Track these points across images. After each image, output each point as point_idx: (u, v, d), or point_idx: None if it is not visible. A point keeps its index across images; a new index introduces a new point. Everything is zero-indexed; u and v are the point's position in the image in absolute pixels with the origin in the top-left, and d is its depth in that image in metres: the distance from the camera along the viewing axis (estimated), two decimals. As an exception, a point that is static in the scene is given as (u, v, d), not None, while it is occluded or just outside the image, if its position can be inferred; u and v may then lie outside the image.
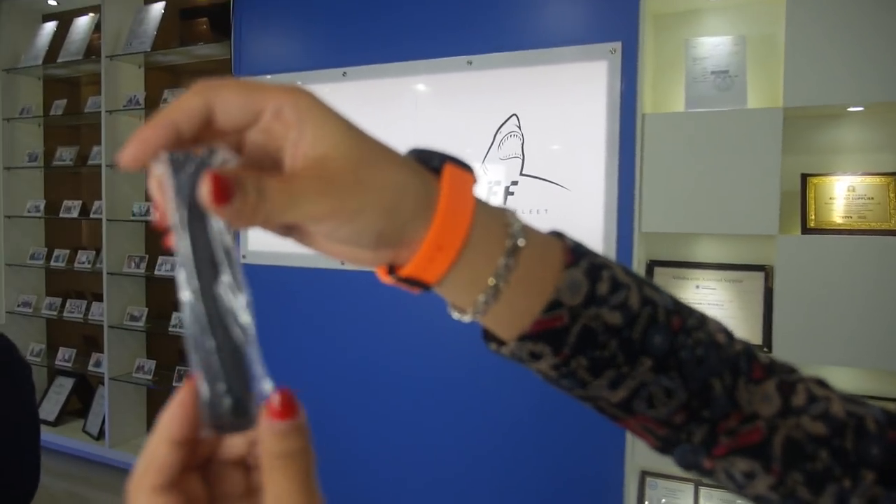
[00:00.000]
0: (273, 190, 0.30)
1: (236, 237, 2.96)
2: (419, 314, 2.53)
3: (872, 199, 2.01)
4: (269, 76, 2.86)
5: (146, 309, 3.47)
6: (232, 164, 0.29)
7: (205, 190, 0.28)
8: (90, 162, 3.52)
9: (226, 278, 0.29)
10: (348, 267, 2.63)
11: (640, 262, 2.23)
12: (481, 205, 0.37)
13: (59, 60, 3.61)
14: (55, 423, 3.65)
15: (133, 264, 3.43)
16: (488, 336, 0.42)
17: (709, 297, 2.20)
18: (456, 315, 0.40)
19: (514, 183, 2.34)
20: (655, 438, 0.43)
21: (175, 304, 3.44)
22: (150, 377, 3.41)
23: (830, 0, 1.91)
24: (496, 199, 2.35)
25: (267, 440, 0.28)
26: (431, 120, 2.48)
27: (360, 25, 2.65)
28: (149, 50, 3.28)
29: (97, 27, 3.50)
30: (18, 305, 3.84)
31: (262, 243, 2.89)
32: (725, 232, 2.11)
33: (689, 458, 0.42)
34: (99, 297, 3.53)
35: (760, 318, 2.12)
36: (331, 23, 2.72)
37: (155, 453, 0.30)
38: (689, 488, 2.22)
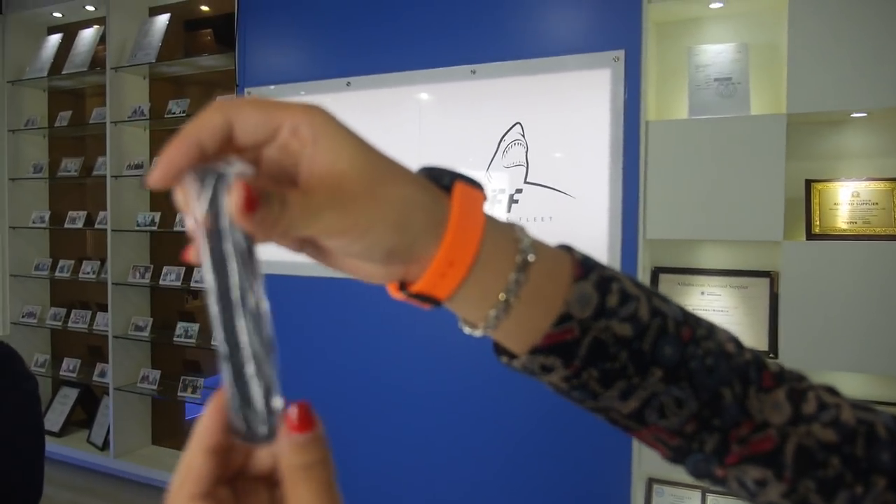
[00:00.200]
0: (294, 202, 0.31)
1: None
2: (422, 325, 2.53)
3: (877, 204, 2.01)
4: (272, 87, 2.87)
5: (151, 319, 3.48)
6: (248, 176, 0.30)
7: (234, 199, 0.29)
8: (95, 172, 3.53)
9: (248, 290, 0.29)
10: (344, 276, 2.63)
11: (645, 268, 2.23)
12: (491, 221, 0.37)
13: (64, 72, 3.63)
14: (59, 434, 3.64)
15: (138, 274, 3.44)
16: (499, 349, 0.42)
17: (714, 303, 2.20)
18: (467, 330, 0.41)
19: (519, 191, 2.35)
20: (667, 448, 0.43)
21: (180, 315, 3.46)
22: (154, 387, 3.41)
23: (832, 7, 1.92)
24: (500, 207, 2.36)
25: (287, 453, 0.29)
26: (435, 129, 2.49)
27: (364, 35, 2.66)
28: (153, 61, 3.30)
29: (102, 39, 3.53)
30: (23, 316, 3.85)
31: (266, 252, 2.88)
32: (730, 238, 2.11)
33: (702, 467, 0.43)
34: (103, 308, 3.53)
35: (766, 325, 2.12)
36: (334, 33, 2.73)
37: (192, 463, 0.30)
38: (696, 495, 2.21)
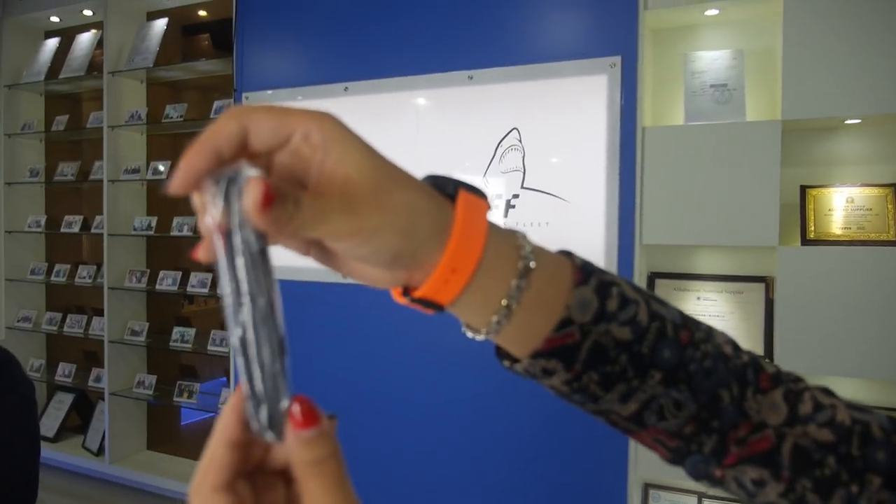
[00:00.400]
0: (307, 203, 0.32)
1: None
2: (418, 332, 2.53)
3: (871, 210, 2.02)
4: (269, 92, 2.88)
5: (147, 324, 3.47)
6: (260, 178, 0.30)
7: (251, 196, 0.29)
8: (92, 177, 3.53)
9: (258, 290, 0.30)
10: (349, 281, 2.63)
11: (642, 274, 2.24)
12: (494, 228, 0.38)
13: (62, 76, 3.63)
14: (54, 440, 3.63)
15: (134, 279, 3.43)
16: (501, 353, 0.43)
17: (710, 308, 2.21)
18: (469, 334, 0.41)
19: (516, 196, 2.36)
20: (667, 450, 0.44)
21: (176, 319, 3.46)
22: (150, 392, 3.40)
23: (827, 14, 1.93)
24: (497, 213, 2.37)
25: (295, 450, 0.29)
26: (433, 134, 2.50)
27: (362, 40, 2.67)
28: (151, 66, 3.30)
29: (99, 43, 3.53)
30: (18, 321, 3.84)
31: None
32: (726, 243, 2.12)
33: (701, 468, 0.43)
34: (99, 312, 3.53)
35: (761, 330, 2.13)
36: (332, 38, 2.74)
37: (214, 455, 0.31)
38: (692, 500, 2.21)
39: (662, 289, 2.29)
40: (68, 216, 3.68)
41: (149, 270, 3.45)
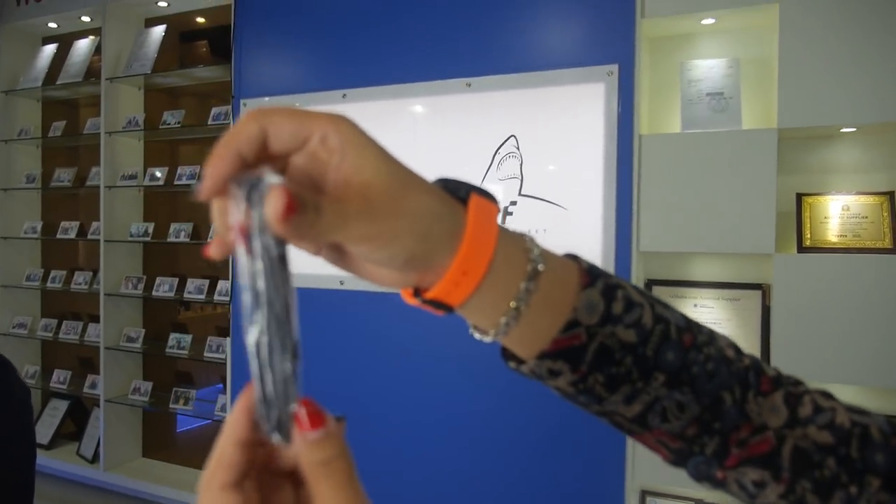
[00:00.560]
0: (327, 210, 0.32)
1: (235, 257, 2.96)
2: (413, 340, 2.53)
3: (866, 217, 2.04)
4: (266, 98, 2.89)
5: (143, 330, 3.46)
6: (281, 185, 0.31)
7: (274, 204, 0.30)
8: (88, 183, 3.52)
9: (275, 294, 0.30)
10: (346, 287, 2.64)
11: (639, 280, 2.25)
12: (504, 232, 0.39)
13: (59, 82, 3.63)
14: (49, 447, 3.61)
15: (131, 285, 3.43)
16: (507, 354, 0.43)
17: (706, 315, 2.22)
18: (477, 335, 0.42)
19: (513, 203, 2.36)
20: (669, 451, 0.44)
21: (173, 326, 3.45)
22: (146, 399, 3.39)
23: (822, 23, 1.95)
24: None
25: (303, 452, 0.30)
26: (431, 141, 2.51)
27: (360, 48, 2.68)
28: (149, 72, 3.30)
29: (97, 50, 3.53)
30: (13, 327, 3.82)
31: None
32: (722, 251, 2.13)
33: (703, 469, 0.44)
34: (95, 319, 3.51)
35: (758, 336, 2.13)
36: (331, 45, 2.75)
37: (223, 454, 0.31)
38: (689, 507, 2.21)
39: (659, 295, 2.29)
40: (64, 222, 3.67)
41: (145, 277, 3.45)
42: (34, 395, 3.80)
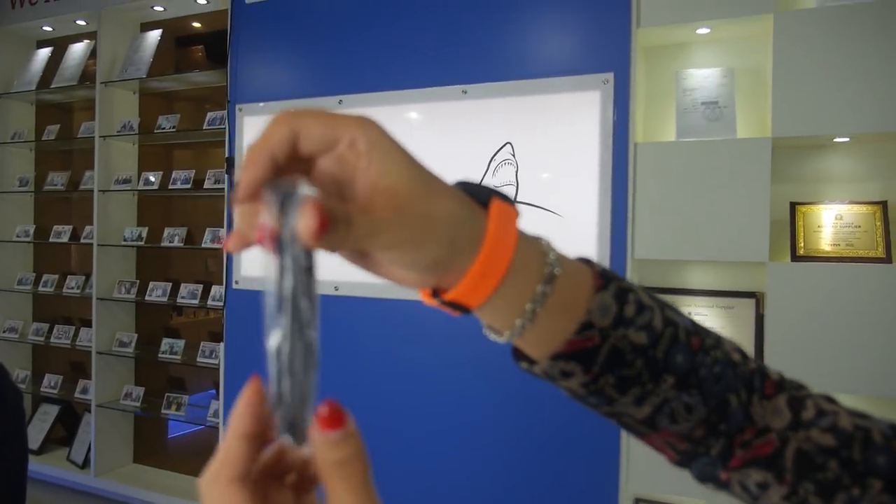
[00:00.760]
0: (359, 223, 0.33)
1: (229, 262, 2.96)
2: (410, 345, 2.53)
3: (859, 227, 2.05)
4: (261, 104, 2.89)
5: (136, 335, 3.44)
6: (312, 196, 0.31)
7: (307, 221, 0.30)
8: (82, 187, 3.51)
9: (301, 303, 0.31)
10: (341, 293, 2.63)
11: (633, 288, 2.25)
12: (522, 236, 0.40)
13: (53, 86, 3.62)
14: (38, 452, 3.58)
15: (124, 289, 3.41)
16: (518, 355, 0.44)
17: (701, 323, 2.22)
18: (492, 336, 0.42)
19: (508, 210, 2.37)
20: (676, 452, 0.45)
21: (166, 331, 3.43)
22: (137, 404, 3.37)
23: (816, 34, 1.97)
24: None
25: (321, 451, 0.30)
26: (427, 148, 2.51)
27: (356, 54, 2.69)
28: (144, 76, 3.30)
29: (92, 53, 3.53)
30: (4, 331, 3.79)
31: (255, 269, 2.89)
32: (717, 259, 2.14)
33: (707, 470, 0.44)
34: (87, 323, 3.50)
35: (752, 344, 2.14)
36: (327, 51, 2.76)
37: (230, 448, 0.31)
38: (683, 515, 2.21)
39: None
40: (57, 226, 3.66)
41: (138, 281, 3.43)
42: (25, 400, 3.77)
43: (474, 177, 2.42)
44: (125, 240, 3.41)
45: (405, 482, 2.54)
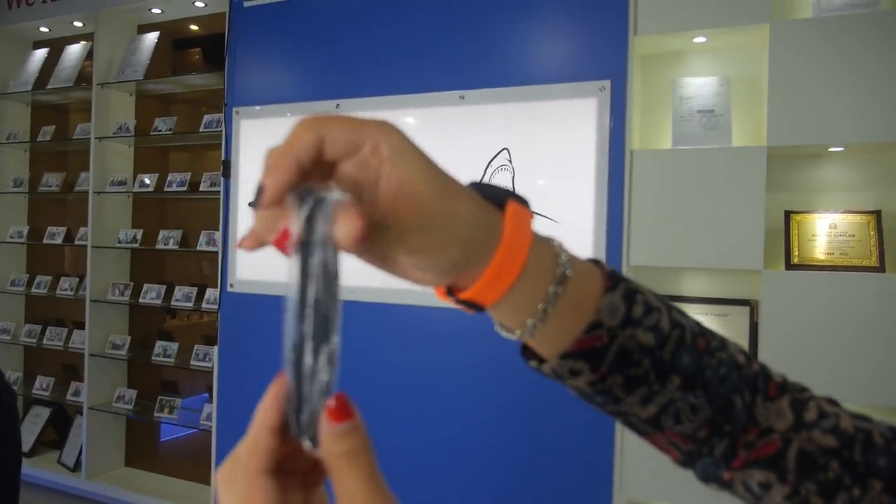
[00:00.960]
0: (391, 229, 0.35)
1: (224, 265, 2.95)
2: (405, 350, 2.53)
3: (853, 236, 2.06)
4: (257, 107, 2.89)
5: (129, 337, 3.43)
6: (346, 203, 0.32)
7: (350, 226, 0.31)
8: (77, 188, 3.50)
9: (322, 304, 0.31)
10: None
11: (628, 295, 2.26)
12: (536, 238, 0.41)
13: (49, 87, 3.61)
14: (29, 454, 3.56)
15: (117, 291, 3.40)
16: (527, 354, 0.45)
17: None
18: (504, 334, 0.43)
19: (505, 215, 2.37)
20: (680, 453, 0.45)
21: (159, 333, 3.42)
22: (130, 407, 3.35)
23: (812, 44, 1.98)
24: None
25: (329, 442, 0.30)
26: (423, 152, 2.51)
27: (354, 58, 2.69)
28: (141, 78, 3.30)
29: (89, 55, 3.52)
30: (-4, 332, 3.78)
31: (250, 272, 2.88)
32: (711, 266, 2.15)
33: (710, 470, 0.45)
34: (80, 325, 3.48)
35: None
36: (324, 55, 2.76)
37: (258, 439, 0.32)
38: (676, 522, 2.21)
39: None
40: (51, 227, 3.64)
41: (132, 283, 3.42)
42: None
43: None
44: (120, 242, 3.40)
45: (398, 486, 2.53)
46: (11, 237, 3.76)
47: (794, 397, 0.45)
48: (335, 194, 0.32)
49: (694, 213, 2.11)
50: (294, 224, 0.32)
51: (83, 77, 3.56)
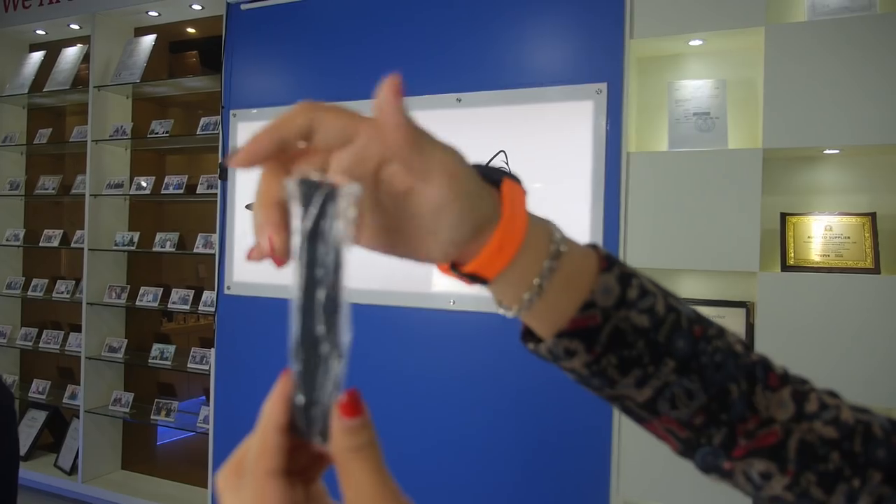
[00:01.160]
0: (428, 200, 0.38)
1: (221, 268, 2.95)
2: (402, 354, 2.53)
3: (849, 238, 2.07)
4: (254, 110, 2.89)
5: (125, 340, 3.42)
6: (358, 196, 0.32)
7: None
8: (73, 191, 3.49)
9: (331, 300, 0.31)
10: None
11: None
12: (531, 215, 0.42)
13: (46, 89, 3.61)
14: (25, 458, 3.54)
15: (114, 294, 3.39)
16: (526, 337, 0.46)
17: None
18: (502, 311, 0.44)
19: (502, 218, 2.38)
20: (677, 440, 0.46)
21: (156, 336, 3.41)
22: (126, 410, 3.34)
23: (807, 47, 1.99)
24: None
25: (340, 437, 0.30)
26: (420, 155, 2.52)
27: (350, 61, 2.70)
28: (137, 81, 3.29)
29: (86, 58, 3.52)
30: (-8, 336, 3.77)
31: (246, 275, 2.88)
32: (707, 268, 2.16)
33: (710, 460, 0.45)
34: (76, 328, 3.47)
35: (742, 354, 2.15)
36: (321, 58, 2.76)
37: (267, 439, 0.31)
38: (673, 524, 2.21)
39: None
40: (48, 230, 3.64)
41: (129, 286, 3.42)
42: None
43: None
44: (116, 244, 3.40)
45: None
46: (8, 240, 3.75)
47: (796, 388, 0.46)
48: (349, 188, 0.32)
49: (690, 215, 2.12)
50: (299, 216, 0.32)
51: (80, 80, 3.55)
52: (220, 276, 2.96)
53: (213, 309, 2.99)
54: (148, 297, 3.30)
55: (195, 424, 3.13)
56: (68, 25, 3.62)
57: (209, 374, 2.99)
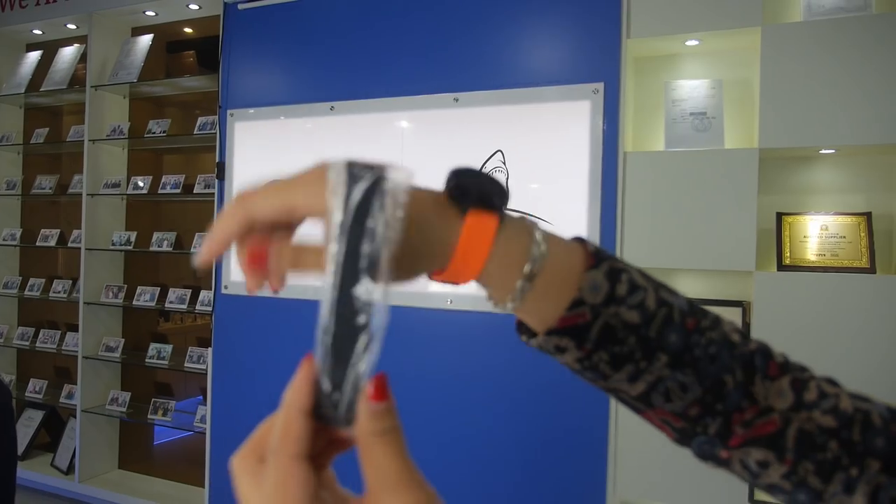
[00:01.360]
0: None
1: (218, 267, 2.95)
2: (399, 355, 2.53)
3: (844, 237, 2.08)
4: (251, 110, 2.89)
5: (122, 339, 3.42)
6: (409, 185, 0.32)
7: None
8: (70, 190, 3.49)
9: (366, 285, 0.31)
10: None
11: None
12: (503, 233, 0.41)
13: (43, 89, 3.60)
14: (22, 458, 3.53)
15: (111, 294, 3.39)
16: (522, 329, 0.46)
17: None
18: (496, 308, 0.44)
19: (499, 217, 2.38)
20: (673, 430, 0.46)
21: (153, 336, 3.41)
22: (123, 409, 3.34)
23: (803, 47, 2.00)
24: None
25: (364, 421, 0.31)
26: (418, 155, 2.53)
27: (349, 61, 2.70)
28: (135, 81, 3.29)
29: (83, 57, 3.51)
30: (-11, 335, 3.76)
31: (244, 274, 2.87)
32: (704, 267, 2.16)
33: (706, 448, 0.45)
34: (73, 328, 3.47)
35: (739, 353, 2.16)
36: (319, 58, 2.76)
37: (292, 424, 0.31)
38: (670, 523, 2.22)
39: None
40: (45, 230, 3.63)
41: (126, 286, 3.41)
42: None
43: (465, 184, 2.43)
44: (113, 244, 3.39)
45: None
46: (4, 240, 3.75)
47: (795, 377, 0.46)
48: (397, 173, 0.31)
49: (687, 214, 2.13)
50: (340, 208, 0.31)
51: (77, 79, 3.55)
52: (217, 275, 2.96)
53: (210, 308, 2.99)
54: (145, 297, 3.30)
55: (192, 424, 3.13)
56: (65, 25, 3.61)
57: (206, 374, 2.99)
